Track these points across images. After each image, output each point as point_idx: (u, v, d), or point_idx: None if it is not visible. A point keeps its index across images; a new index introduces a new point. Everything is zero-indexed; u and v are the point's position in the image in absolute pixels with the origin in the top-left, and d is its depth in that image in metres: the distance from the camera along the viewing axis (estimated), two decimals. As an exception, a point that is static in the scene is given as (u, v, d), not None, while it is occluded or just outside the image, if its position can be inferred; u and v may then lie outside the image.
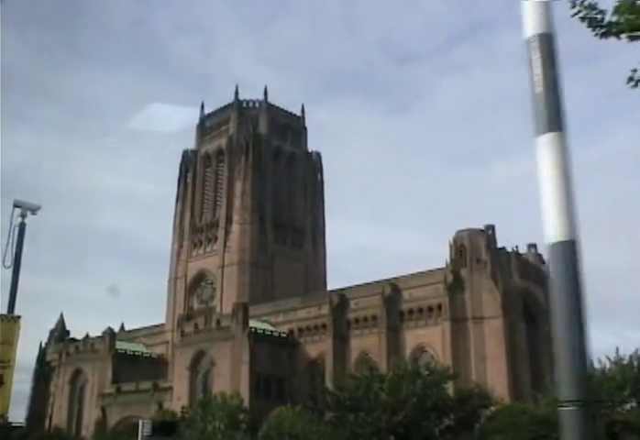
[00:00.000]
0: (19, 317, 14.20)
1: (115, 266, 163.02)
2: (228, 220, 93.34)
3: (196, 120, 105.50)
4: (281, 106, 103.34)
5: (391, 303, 66.82)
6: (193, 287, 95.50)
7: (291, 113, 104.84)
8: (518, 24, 7.47)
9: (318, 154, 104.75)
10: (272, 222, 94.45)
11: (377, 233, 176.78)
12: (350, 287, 74.26)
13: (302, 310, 76.03)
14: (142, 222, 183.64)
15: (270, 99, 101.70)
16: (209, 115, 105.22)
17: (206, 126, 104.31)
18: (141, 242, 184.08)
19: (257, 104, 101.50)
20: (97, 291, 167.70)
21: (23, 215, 15.11)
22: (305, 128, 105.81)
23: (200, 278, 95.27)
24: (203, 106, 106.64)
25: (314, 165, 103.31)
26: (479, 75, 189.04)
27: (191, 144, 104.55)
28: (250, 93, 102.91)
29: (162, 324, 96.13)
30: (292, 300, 78.83)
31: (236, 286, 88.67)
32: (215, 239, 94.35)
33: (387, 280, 69.74)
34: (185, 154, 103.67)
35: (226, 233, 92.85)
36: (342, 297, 71.87)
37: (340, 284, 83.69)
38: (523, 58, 7.27)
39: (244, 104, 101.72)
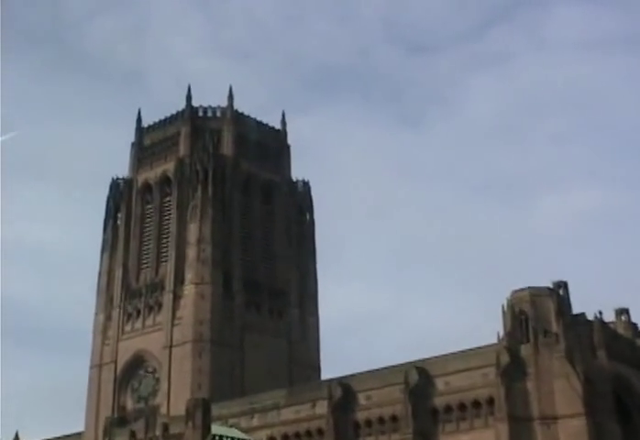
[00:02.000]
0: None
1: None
2: (178, 279, 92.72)
3: (129, 137, 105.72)
4: (253, 116, 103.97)
5: (420, 397, 65.99)
6: (126, 377, 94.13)
7: (266, 125, 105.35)
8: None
9: (306, 184, 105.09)
10: (242, 281, 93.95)
11: (388, 295, 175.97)
12: (357, 374, 73.65)
13: (287, 408, 75.01)
14: (45, 284, 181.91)
15: (237, 105, 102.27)
16: (148, 128, 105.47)
17: (145, 144, 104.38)
18: (42, 314, 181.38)
19: (218, 113, 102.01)
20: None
21: None
22: (288, 147, 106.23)
23: (136, 363, 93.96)
24: (139, 116, 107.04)
25: (300, 199, 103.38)
26: (522, 69, 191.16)
27: (122, 170, 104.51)
28: (203, 98, 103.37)
29: (80, 434, 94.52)
30: (273, 393, 77.82)
31: (190, 374, 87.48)
32: (160, 307, 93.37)
33: (411, 362, 69.03)
34: (114, 185, 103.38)
35: (176, 298, 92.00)
36: (346, 388, 71.08)
37: (340, 370, 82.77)
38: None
39: (199, 113, 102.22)
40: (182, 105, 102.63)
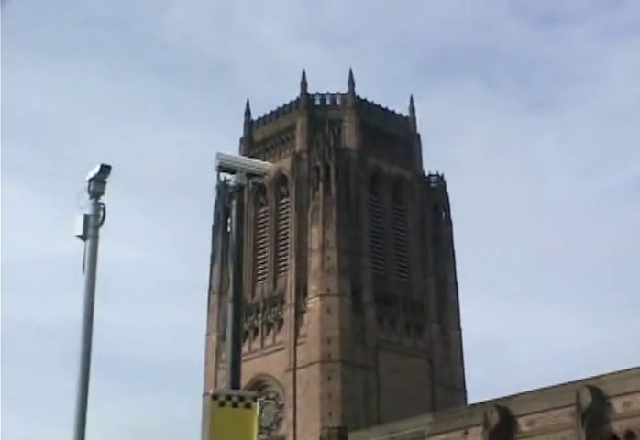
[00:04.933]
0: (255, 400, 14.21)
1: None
2: (300, 292, 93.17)
3: (232, 132, 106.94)
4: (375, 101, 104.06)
5: (595, 421, 64.54)
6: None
7: (392, 112, 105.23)
8: None
9: (440, 178, 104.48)
10: (374, 293, 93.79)
11: (530, 305, 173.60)
12: (515, 395, 72.44)
13: (434, 437, 74.24)
14: (145, 307, 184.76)
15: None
16: (259, 120, 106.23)
17: (255, 139, 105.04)
18: (144, 342, 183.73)
19: (337, 101, 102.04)
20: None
21: None
22: (418, 137, 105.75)
23: (255, 389, 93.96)
24: (248, 109, 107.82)
25: (434, 196, 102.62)
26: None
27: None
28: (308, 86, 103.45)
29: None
30: (416, 420, 77.19)
31: (318, 400, 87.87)
32: (281, 324, 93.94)
33: (581, 380, 67.62)
34: (222, 188, 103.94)
35: (298, 313, 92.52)
36: (504, 413, 70.05)
37: (488, 392, 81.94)
38: None
39: (316, 101, 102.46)
40: (292, 94, 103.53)
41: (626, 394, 64.65)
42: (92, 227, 14.76)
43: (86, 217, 14.72)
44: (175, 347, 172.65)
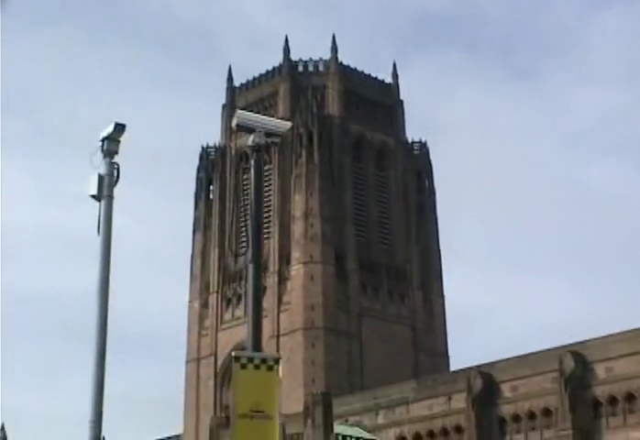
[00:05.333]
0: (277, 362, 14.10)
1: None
2: (284, 259, 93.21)
3: (220, 97, 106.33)
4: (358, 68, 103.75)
5: (577, 386, 64.75)
6: (228, 372, 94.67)
7: (375, 79, 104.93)
8: None
9: (423, 145, 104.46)
10: (357, 259, 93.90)
11: (521, 276, 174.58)
12: (499, 361, 72.79)
13: (418, 403, 74.58)
14: (129, 275, 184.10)
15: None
16: (241, 87, 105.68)
17: (238, 106, 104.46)
18: (128, 310, 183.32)
19: (320, 67, 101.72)
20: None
21: None
22: (401, 103, 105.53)
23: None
24: (230, 75, 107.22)
25: (418, 164, 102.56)
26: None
27: (212, 138, 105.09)
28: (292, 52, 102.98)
29: (178, 436, 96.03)
30: (400, 387, 77.60)
31: (302, 367, 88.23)
32: (264, 291, 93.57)
33: (564, 346, 67.80)
34: (205, 154, 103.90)
35: (282, 280, 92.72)
36: (488, 379, 70.18)
37: (472, 358, 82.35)
38: None
39: (299, 68, 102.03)
40: (274, 61, 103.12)
41: (608, 359, 64.77)
42: (106, 187, 14.45)
43: (101, 177, 14.41)
44: (159, 315, 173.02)
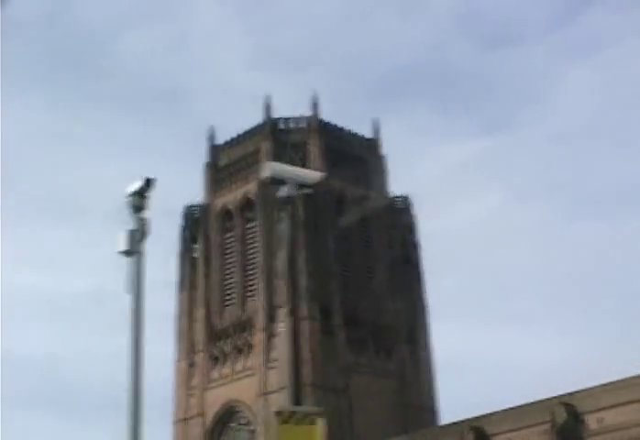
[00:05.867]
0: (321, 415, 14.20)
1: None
2: (269, 316, 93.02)
3: (200, 156, 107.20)
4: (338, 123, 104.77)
5: (569, 437, 65.32)
6: (216, 431, 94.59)
7: (356, 134, 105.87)
8: None
9: (405, 199, 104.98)
10: (343, 315, 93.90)
11: (507, 330, 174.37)
12: (489, 414, 72.78)
13: (410, 458, 74.66)
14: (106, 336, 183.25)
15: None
16: (224, 145, 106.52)
17: (220, 165, 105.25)
18: (106, 371, 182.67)
19: (301, 124, 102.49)
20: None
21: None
22: (383, 159, 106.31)
23: (227, 415, 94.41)
24: (212, 134, 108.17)
25: (402, 218, 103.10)
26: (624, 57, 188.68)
27: (194, 197, 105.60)
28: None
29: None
30: (391, 443, 77.49)
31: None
32: (250, 349, 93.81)
33: (555, 397, 68.03)
34: (188, 213, 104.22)
35: (269, 337, 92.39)
36: (479, 432, 70.61)
37: (460, 413, 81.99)
38: None
39: (280, 125, 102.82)
40: (255, 118, 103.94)
41: (599, 410, 65.14)
42: (136, 243, 14.34)
43: (130, 232, 14.27)
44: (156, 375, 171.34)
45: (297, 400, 77.59)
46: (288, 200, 14.93)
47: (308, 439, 13.44)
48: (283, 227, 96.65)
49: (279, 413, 13.39)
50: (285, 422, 13.46)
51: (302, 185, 15.42)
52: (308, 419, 13.50)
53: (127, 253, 14.10)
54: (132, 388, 13.57)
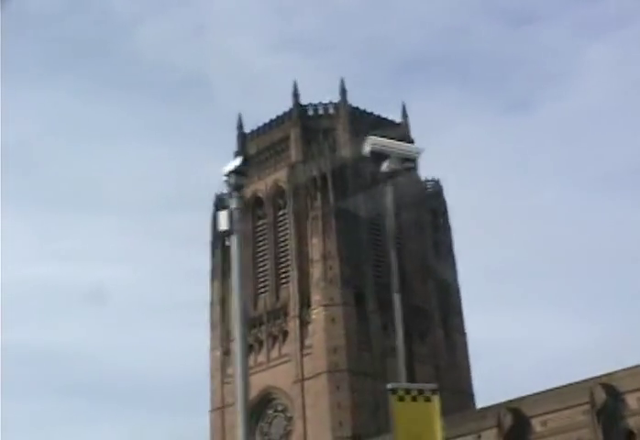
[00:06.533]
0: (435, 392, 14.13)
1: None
2: (304, 303, 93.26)
3: (230, 145, 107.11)
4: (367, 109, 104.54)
5: (609, 418, 64.91)
6: (253, 419, 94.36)
7: (385, 119, 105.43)
8: None
9: (437, 183, 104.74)
10: (377, 301, 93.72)
11: (544, 309, 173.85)
12: (527, 396, 72.82)
13: (448, 442, 74.35)
14: (144, 328, 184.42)
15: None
16: (252, 133, 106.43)
17: (250, 151, 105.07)
18: (146, 363, 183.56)
19: (330, 110, 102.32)
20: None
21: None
22: (412, 142, 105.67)
23: (264, 402, 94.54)
24: (240, 123, 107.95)
25: (433, 202, 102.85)
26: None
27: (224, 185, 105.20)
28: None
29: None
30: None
31: (328, 411, 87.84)
32: (285, 336, 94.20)
33: (594, 378, 67.84)
34: (219, 202, 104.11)
35: (303, 324, 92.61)
36: (517, 414, 70.57)
37: (497, 395, 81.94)
38: None
39: (309, 112, 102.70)
40: (284, 106, 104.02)
41: (639, 389, 65.28)
42: (236, 221, 13.95)
43: (231, 211, 13.95)
44: (177, 365, 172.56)
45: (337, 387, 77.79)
46: (391, 174, 14.61)
47: (426, 417, 13.30)
48: (316, 214, 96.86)
49: (393, 391, 13.22)
50: (401, 399, 13.31)
51: (405, 159, 15.17)
52: (423, 396, 13.37)
53: (229, 232, 13.81)
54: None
